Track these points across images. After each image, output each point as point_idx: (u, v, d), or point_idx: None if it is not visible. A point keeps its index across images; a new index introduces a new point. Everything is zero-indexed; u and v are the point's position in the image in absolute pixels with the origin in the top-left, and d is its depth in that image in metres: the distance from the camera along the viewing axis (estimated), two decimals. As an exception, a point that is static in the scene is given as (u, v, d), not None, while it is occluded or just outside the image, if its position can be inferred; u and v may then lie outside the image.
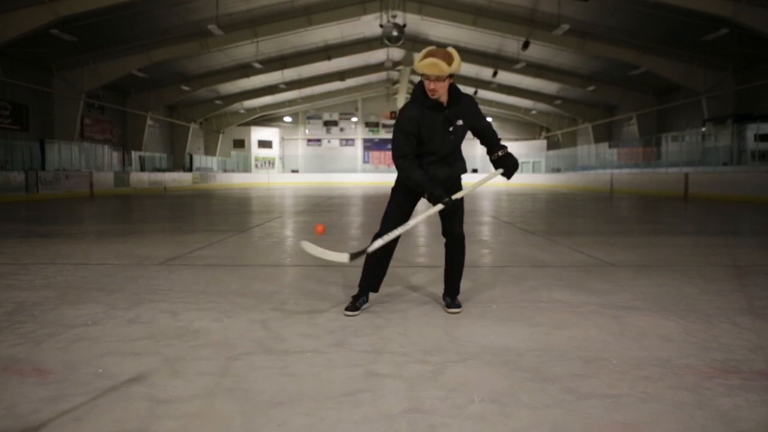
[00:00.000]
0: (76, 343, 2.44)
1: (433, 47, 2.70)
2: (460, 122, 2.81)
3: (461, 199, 2.95)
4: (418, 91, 2.77)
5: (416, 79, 32.42)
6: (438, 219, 2.99)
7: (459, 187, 2.98)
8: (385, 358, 2.27)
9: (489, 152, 2.97)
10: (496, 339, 2.52)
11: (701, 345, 2.42)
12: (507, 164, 2.93)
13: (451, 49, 2.66)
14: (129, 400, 1.84)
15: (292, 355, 2.30)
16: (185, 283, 3.73)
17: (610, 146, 27.70)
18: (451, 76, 2.65)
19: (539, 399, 1.85)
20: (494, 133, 2.99)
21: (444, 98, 2.74)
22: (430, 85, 2.65)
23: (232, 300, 3.26)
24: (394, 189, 2.99)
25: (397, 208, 2.96)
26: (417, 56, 2.71)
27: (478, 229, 7.46)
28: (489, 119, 39.62)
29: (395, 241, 2.97)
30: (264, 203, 14.37)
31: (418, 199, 2.96)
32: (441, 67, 2.59)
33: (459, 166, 2.98)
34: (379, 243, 2.69)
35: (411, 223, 2.88)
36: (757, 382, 2.00)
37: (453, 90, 2.78)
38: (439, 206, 2.76)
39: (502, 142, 3.00)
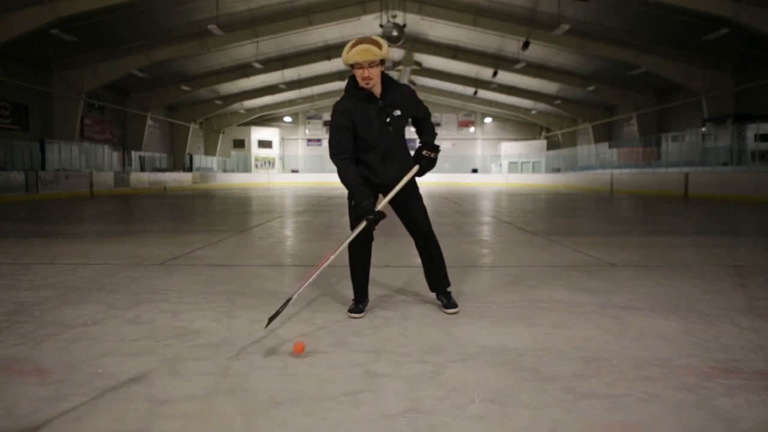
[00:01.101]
0: (76, 343, 2.44)
1: (356, 38, 2.67)
2: (397, 112, 2.76)
3: (418, 194, 2.91)
4: (349, 85, 2.73)
5: (416, 78, 32.50)
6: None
7: (413, 186, 2.91)
8: (385, 358, 2.27)
9: (420, 144, 2.93)
10: (496, 339, 2.52)
11: (701, 345, 2.41)
12: (423, 163, 2.88)
13: (375, 37, 2.65)
14: (129, 400, 1.84)
15: (292, 355, 2.30)
16: (185, 283, 3.73)
17: (610, 146, 27.70)
18: (382, 62, 2.63)
19: (539, 399, 1.85)
20: (431, 127, 2.96)
21: (377, 89, 2.70)
22: (364, 73, 2.61)
23: (232, 300, 3.26)
24: (349, 195, 2.88)
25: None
26: (343, 52, 2.65)
27: (479, 229, 7.46)
28: (488, 119, 39.74)
29: (370, 250, 2.92)
30: (264, 203, 14.37)
31: (377, 197, 2.90)
32: (374, 52, 2.56)
33: (408, 165, 2.88)
34: (292, 299, 2.54)
35: (343, 245, 2.75)
36: (757, 382, 2.00)
37: (386, 79, 2.74)
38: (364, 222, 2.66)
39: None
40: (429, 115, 2.97)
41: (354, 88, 2.71)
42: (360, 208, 2.65)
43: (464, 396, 1.88)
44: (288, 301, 2.56)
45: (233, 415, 1.73)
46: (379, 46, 2.59)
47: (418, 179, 2.96)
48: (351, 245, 2.91)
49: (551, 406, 1.80)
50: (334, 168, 2.73)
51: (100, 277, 3.94)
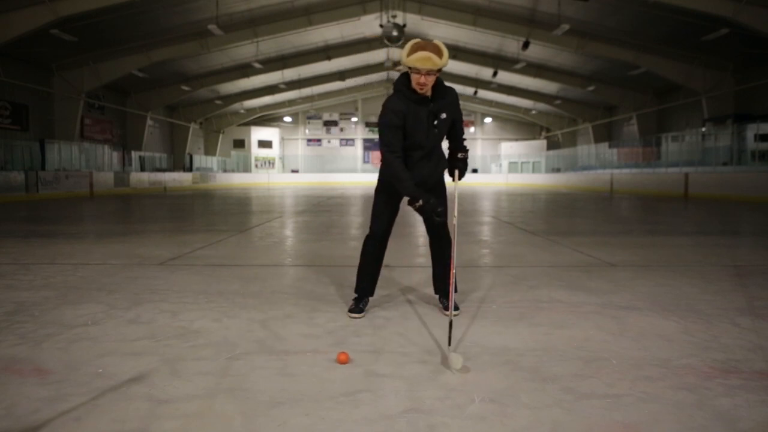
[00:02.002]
0: (76, 343, 2.44)
1: (419, 40, 2.64)
2: (443, 115, 2.78)
3: (446, 197, 2.96)
4: (402, 84, 2.73)
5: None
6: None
7: (442, 186, 2.96)
8: (385, 358, 2.27)
9: (452, 148, 2.94)
10: (496, 339, 2.52)
11: (701, 345, 2.42)
12: (460, 166, 2.90)
13: (438, 42, 2.64)
14: (129, 400, 1.84)
15: (292, 355, 2.30)
16: (185, 283, 3.73)
17: (610, 146, 27.71)
18: (439, 69, 2.63)
19: (539, 399, 1.85)
20: (462, 129, 2.99)
21: (429, 92, 2.71)
22: (420, 79, 2.60)
23: (232, 300, 3.26)
24: (377, 189, 2.96)
25: (384, 207, 2.95)
26: (404, 50, 2.63)
27: (478, 229, 7.46)
28: (488, 119, 39.78)
29: (385, 247, 2.99)
30: (264, 203, 14.37)
31: (402, 196, 2.93)
32: (434, 61, 2.55)
33: (442, 163, 2.93)
34: (452, 321, 2.41)
35: (454, 249, 2.77)
36: (757, 382, 2.00)
37: (438, 83, 2.75)
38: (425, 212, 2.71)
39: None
40: (462, 116, 3.00)
41: (407, 89, 2.71)
42: (429, 205, 2.67)
43: (464, 396, 1.88)
44: (451, 323, 2.39)
45: (233, 415, 1.73)
46: (440, 54, 2.58)
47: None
48: (367, 240, 2.97)
49: (551, 406, 1.80)
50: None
51: (100, 277, 3.94)
